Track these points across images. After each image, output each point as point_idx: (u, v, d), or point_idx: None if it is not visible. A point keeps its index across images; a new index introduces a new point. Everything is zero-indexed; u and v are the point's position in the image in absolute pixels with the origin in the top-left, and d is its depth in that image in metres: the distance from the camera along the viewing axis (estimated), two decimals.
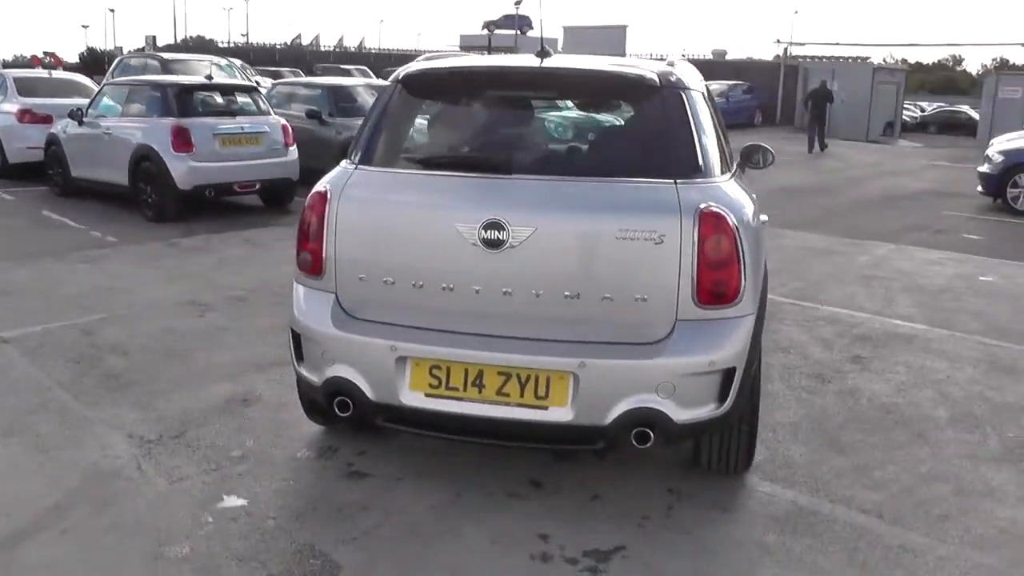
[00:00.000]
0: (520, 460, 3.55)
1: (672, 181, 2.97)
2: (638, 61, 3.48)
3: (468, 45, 47.93)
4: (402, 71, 3.33)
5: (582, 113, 3.30)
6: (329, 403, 3.14)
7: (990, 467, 3.69)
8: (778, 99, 30.55)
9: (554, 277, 2.93)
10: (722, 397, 2.98)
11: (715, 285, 2.92)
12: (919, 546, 3.07)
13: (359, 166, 3.18)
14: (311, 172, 9.00)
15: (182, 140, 8.17)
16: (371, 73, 24.63)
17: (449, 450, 3.62)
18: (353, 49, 48.10)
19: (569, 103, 3.42)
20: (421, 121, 3.40)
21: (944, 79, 72.13)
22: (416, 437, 3.59)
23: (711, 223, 2.89)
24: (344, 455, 3.61)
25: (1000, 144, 11.21)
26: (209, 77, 9.14)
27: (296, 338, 3.27)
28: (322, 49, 49.34)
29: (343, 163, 3.32)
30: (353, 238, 3.10)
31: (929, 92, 58.90)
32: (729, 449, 3.35)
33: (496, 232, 2.90)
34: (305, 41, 51.56)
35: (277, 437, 3.79)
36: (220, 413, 4.03)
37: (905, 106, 33.33)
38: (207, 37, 65.78)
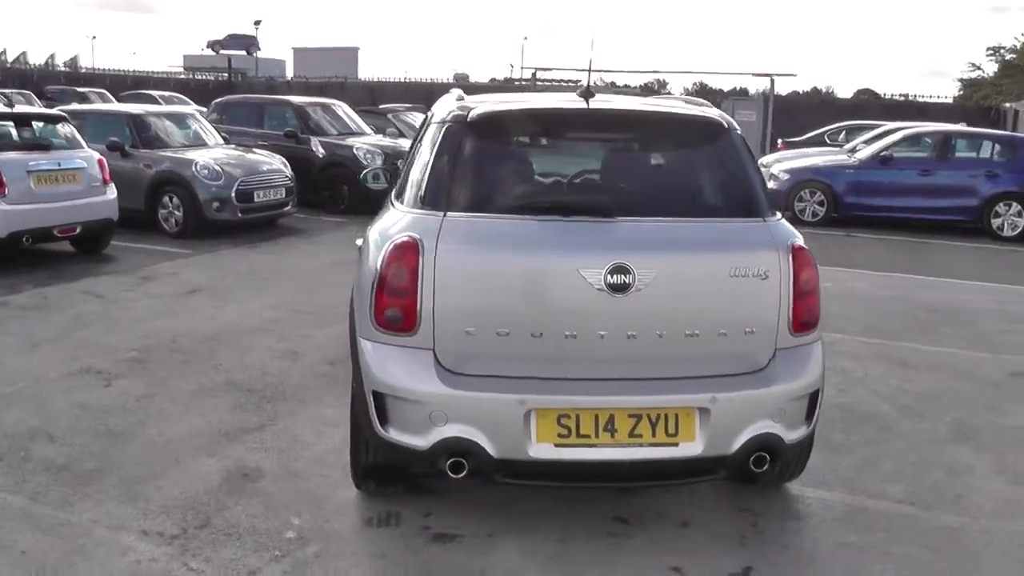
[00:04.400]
0: (591, 500, 3.53)
1: (762, 219, 3.16)
2: (682, 101, 3.63)
3: (192, 66, 45.25)
4: (471, 112, 3.19)
5: (662, 154, 3.37)
6: (437, 466, 2.94)
7: (954, 449, 4.28)
8: None
9: (676, 317, 2.99)
10: (810, 417, 3.22)
11: (806, 314, 3.15)
12: (958, 525, 3.50)
13: (448, 213, 3.01)
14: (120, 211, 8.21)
15: None
16: (111, 97, 22.41)
17: (513, 498, 3.50)
18: (65, 68, 43.23)
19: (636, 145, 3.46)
20: (501, 165, 3.28)
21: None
22: (473, 489, 3.46)
23: (802, 257, 3.12)
24: (412, 519, 3.36)
25: (784, 164, 12.89)
26: (9, 104, 7.90)
27: (380, 401, 3.02)
28: (30, 67, 43.68)
29: (414, 210, 3.12)
30: (456, 290, 2.93)
31: None
32: (797, 462, 3.58)
33: (622, 276, 2.90)
34: (10, 58, 45.48)
35: (319, 510, 3.43)
36: (230, 493, 3.56)
37: None
38: None
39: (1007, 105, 23.39)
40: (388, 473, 3.38)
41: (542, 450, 2.90)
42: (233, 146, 10.82)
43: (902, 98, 30.61)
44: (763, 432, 3.02)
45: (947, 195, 11.54)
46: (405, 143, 13.66)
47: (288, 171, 10.52)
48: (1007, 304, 7.76)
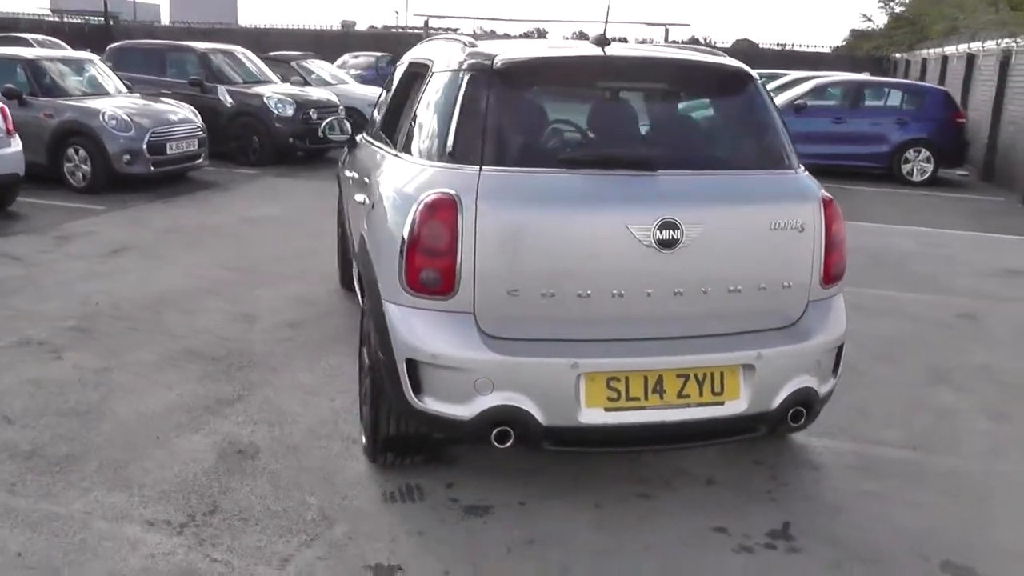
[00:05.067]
0: (610, 463, 3.45)
1: (794, 171, 3.10)
2: (700, 50, 3.50)
3: (60, 7, 41.99)
4: (497, 60, 2.96)
5: (696, 104, 3.24)
6: (481, 436, 2.79)
7: (934, 391, 4.43)
8: None
9: (721, 272, 2.91)
10: (836, 368, 3.22)
11: (835, 267, 3.13)
12: (962, 468, 3.61)
13: (484, 167, 2.80)
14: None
15: None
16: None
17: (533, 465, 3.39)
18: None
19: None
20: (535, 116, 3.07)
21: None
22: (490, 457, 3.33)
23: (832, 208, 3.09)
24: (435, 491, 3.20)
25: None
26: None
27: (414, 369, 2.83)
28: None
29: (439, 164, 2.90)
30: (499, 249, 2.75)
31: None
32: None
33: (671, 232, 2.79)
34: None
35: (332, 487, 3.22)
36: (230, 473, 3.30)
37: None
38: None
39: (897, 55, 24.40)
40: (409, 445, 3.20)
41: (592, 415, 2.79)
42: (138, 95, 10.05)
43: (779, 47, 31.48)
44: (802, 386, 3.00)
45: (859, 142, 11.96)
46: (314, 91, 13.08)
47: (199, 121, 9.89)
48: (929, 247, 8.12)
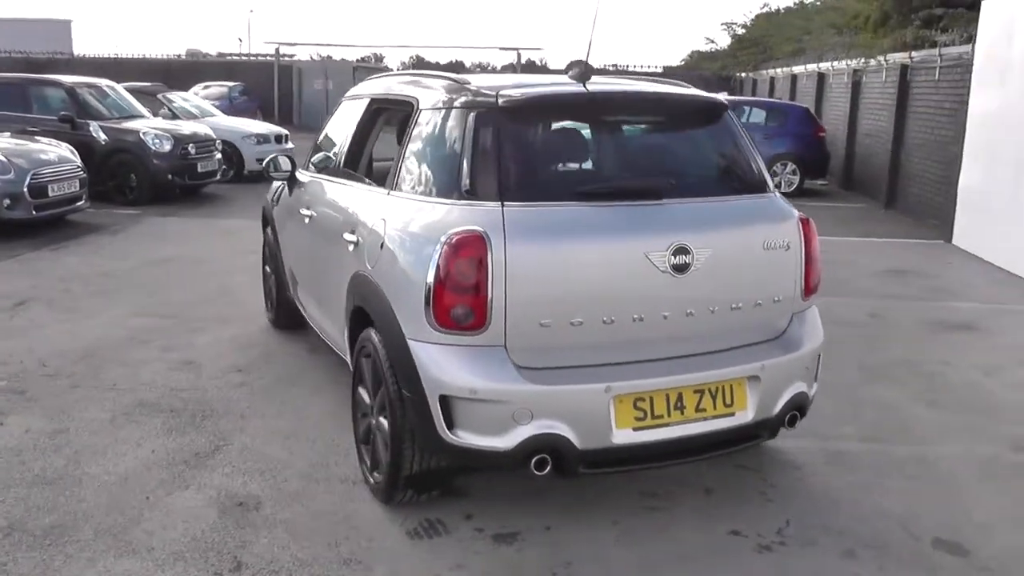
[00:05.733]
0: (611, 481, 3.56)
1: (772, 194, 3.36)
2: (667, 82, 3.70)
3: None
4: (500, 98, 3.04)
5: (684, 134, 3.42)
6: (519, 465, 2.85)
7: (872, 387, 4.81)
8: (275, 99, 30.58)
9: (726, 292, 3.11)
10: (817, 374, 3.49)
11: (814, 280, 3.41)
12: (920, 454, 3.95)
13: (505, 203, 2.88)
14: None
15: None
16: None
17: (541, 489, 3.46)
18: None
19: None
20: (544, 150, 3.16)
21: None
22: (495, 483, 3.41)
23: (809, 226, 3.37)
24: (457, 523, 3.21)
25: None
26: None
27: (446, 405, 2.86)
28: None
29: (457, 202, 2.94)
30: (528, 282, 2.83)
31: None
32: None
33: (684, 256, 2.96)
34: None
35: (353, 530, 3.17)
36: (239, 527, 3.18)
37: None
38: None
39: (743, 74, 26.07)
40: (431, 481, 3.21)
41: (622, 435, 2.90)
42: (8, 134, 9.40)
43: (613, 67, 33.09)
44: (797, 392, 3.25)
45: None
46: (187, 125, 12.60)
47: (78, 160, 9.39)
48: (823, 253, 8.72)
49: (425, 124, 3.35)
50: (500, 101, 3.04)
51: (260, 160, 13.69)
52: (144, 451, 3.83)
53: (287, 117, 29.63)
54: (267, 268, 5.87)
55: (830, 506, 3.45)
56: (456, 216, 2.90)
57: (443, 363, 2.85)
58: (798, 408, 3.27)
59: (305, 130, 20.81)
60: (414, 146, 3.36)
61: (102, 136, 11.01)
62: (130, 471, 3.63)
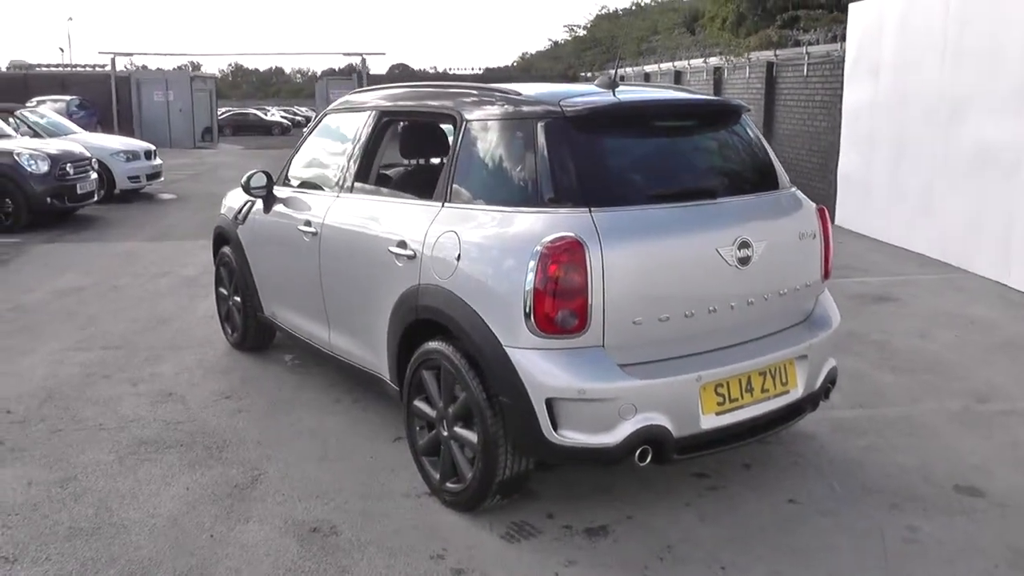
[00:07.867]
0: (663, 469, 3.74)
1: (793, 188, 3.67)
2: (684, 90, 3.93)
3: None
4: (565, 108, 3.14)
5: (720, 137, 3.64)
6: (624, 458, 2.99)
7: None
8: (114, 111, 28.89)
9: (776, 280, 3.38)
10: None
11: (830, 264, 3.75)
12: (903, 413, 4.39)
13: (593, 209, 3.00)
14: None
15: None
16: None
17: (605, 483, 3.60)
18: None
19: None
20: (616, 157, 3.26)
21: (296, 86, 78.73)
22: (551, 480, 3.56)
23: (824, 215, 3.71)
24: (543, 523, 3.29)
25: None
26: None
27: (551, 407, 2.96)
28: None
29: (541, 210, 3.03)
30: (622, 284, 2.97)
31: (268, 97, 67.37)
32: None
33: (746, 250, 3.20)
34: None
35: (447, 541, 3.18)
36: (326, 553, 3.12)
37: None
38: None
39: (587, 74, 27.04)
40: (517, 484, 3.28)
41: (708, 420, 3.10)
42: None
43: (433, 70, 33.82)
44: (832, 366, 3.59)
45: None
46: (58, 144, 11.68)
47: None
48: None
49: (478, 136, 3.40)
50: (566, 111, 3.16)
51: (132, 178, 13.25)
52: (177, 489, 3.66)
53: (127, 130, 27.95)
54: (222, 290, 5.66)
55: (857, 468, 3.80)
56: (545, 224, 2.99)
57: (547, 367, 2.94)
58: (831, 380, 3.59)
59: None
60: (467, 158, 3.41)
61: None
62: (175, 512, 3.46)
